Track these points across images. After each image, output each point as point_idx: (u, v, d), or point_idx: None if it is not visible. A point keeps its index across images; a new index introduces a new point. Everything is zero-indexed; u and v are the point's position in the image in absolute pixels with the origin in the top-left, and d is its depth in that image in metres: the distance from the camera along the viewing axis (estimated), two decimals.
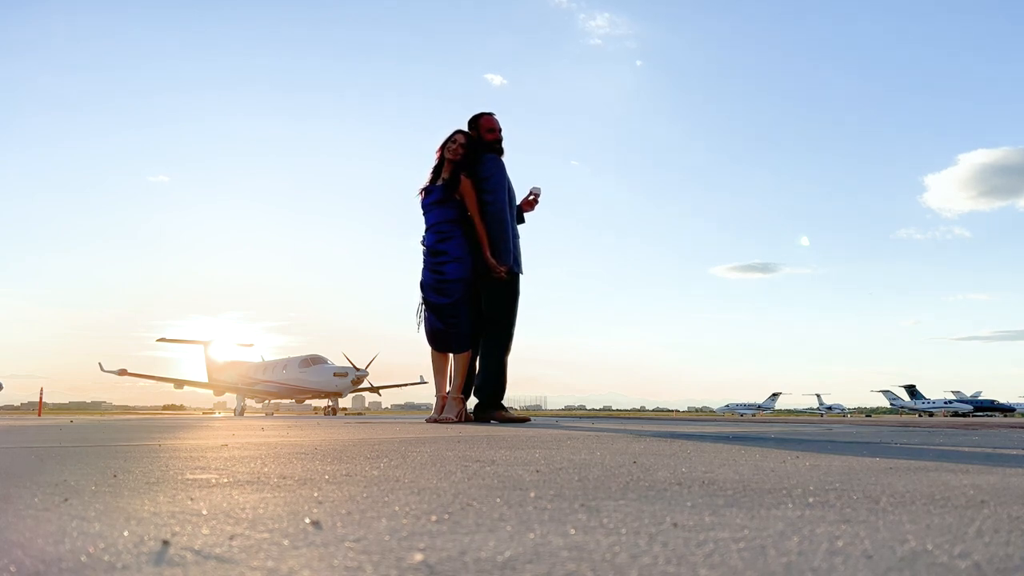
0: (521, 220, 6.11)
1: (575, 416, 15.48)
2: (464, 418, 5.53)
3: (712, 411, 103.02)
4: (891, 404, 76.98)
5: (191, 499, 1.00)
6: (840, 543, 0.69)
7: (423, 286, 5.64)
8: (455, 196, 5.52)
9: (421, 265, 5.71)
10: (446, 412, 5.48)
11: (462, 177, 5.51)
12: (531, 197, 6.16)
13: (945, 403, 68.85)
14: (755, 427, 4.85)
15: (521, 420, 5.60)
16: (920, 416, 55.30)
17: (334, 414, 24.85)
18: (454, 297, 5.51)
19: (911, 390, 75.24)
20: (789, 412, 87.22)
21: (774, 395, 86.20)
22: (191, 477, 1.30)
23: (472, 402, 5.70)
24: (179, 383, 30.88)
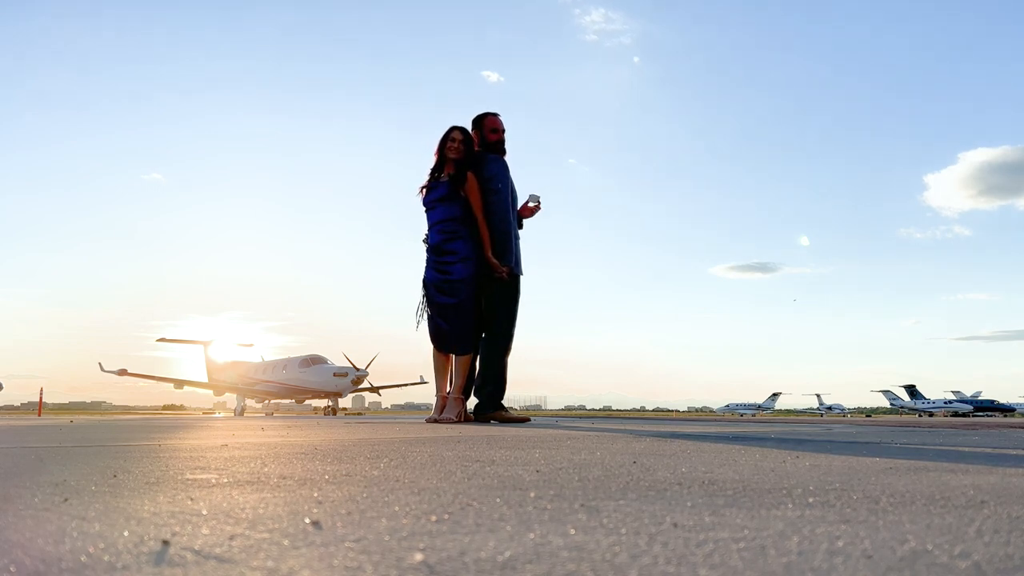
0: (519, 226, 6.07)
1: (575, 416, 15.49)
2: (464, 418, 5.53)
3: (712, 411, 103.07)
4: (891, 404, 77.02)
5: (191, 499, 1.00)
6: (840, 543, 0.69)
7: (427, 284, 5.60)
8: (461, 193, 5.50)
9: (424, 263, 5.68)
10: (446, 412, 5.48)
11: (468, 174, 5.50)
12: (531, 204, 6.08)
13: (945, 403, 68.87)
14: (755, 427, 4.85)
15: (521, 420, 5.60)
16: (920, 416, 55.31)
17: (334, 414, 24.86)
18: (460, 297, 5.48)
19: (911, 390, 75.26)
20: (789, 412, 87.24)
21: (774, 395, 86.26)
22: (191, 477, 1.30)
23: (472, 402, 5.70)
24: (179, 383, 30.91)
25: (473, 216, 5.53)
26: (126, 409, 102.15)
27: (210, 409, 41.27)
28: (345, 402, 29.84)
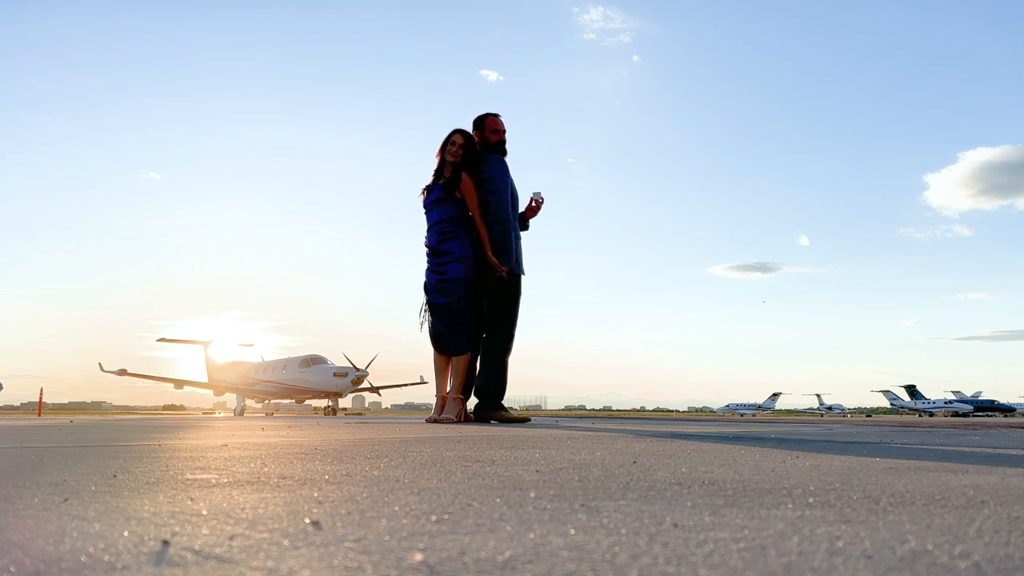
0: (525, 227, 6.09)
1: (575, 416, 15.49)
2: (464, 418, 5.53)
3: (712, 411, 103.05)
4: (891, 404, 76.95)
5: (191, 499, 1.00)
6: (840, 543, 0.69)
7: (427, 287, 5.64)
8: (455, 194, 5.52)
9: (425, 266, 5.71)
10: (446, 412, 5.48)
11: (463, 175, 5.51)
12: (533, 204, 6.13)
13: (945, 403, 68.79)
14: (755, 427, 4.85)
15: (521, 420, 5.60)
16: (920, 416, 55.29)
17: (334, 414, 24.84)
18: (453, 297, 5.50)
19: (911, 390, 75.20)
20: (789, 412, 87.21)
21: (774, 395, 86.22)
22: (191, 477, 1.30)
23: (472, 402, 5.70)
24: (179, 383, 30.89)
25: (470, 217, 5.55)
26: (126, 409, 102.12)
27: (210, 409, 41.23)
28: (345, 402, 29.81)
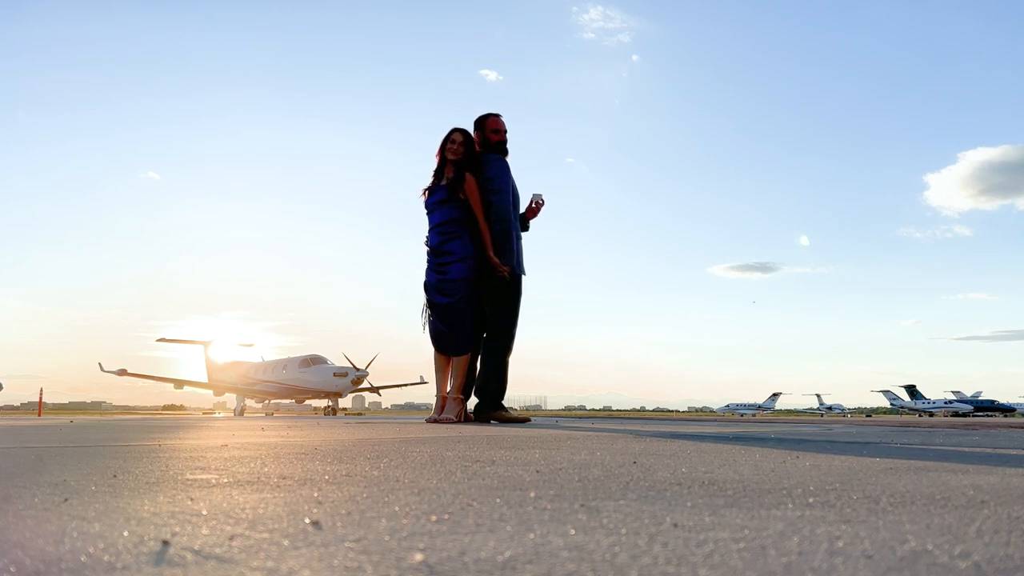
0: (525, 228, 6.08)
1: (575, 416, 15.49)
2: (464, 418, 5.53)
3: (712, 411, 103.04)
4: (891, 404, 76.94)
5: (191, 499, 1.00)
6: (840, 543, 0.69)
7: (427, 287, 5.64)
8: (459, 195, 5.52)
9: (425, 266, 5.71)
10: (446, 412, 5.48)
11: (467, 175, 5.51)
12: (533, 205, 6.09)
13: (945, 403, 68.79)
14: (755, 427, 4.85)
15: (521, 420, 5.60)
16: (920, 416, 55.27)
17: (334, 414, 24.84)
18: (455, 296, 5.50)
19: (911, 390, 75.20)
20: (789, 412, 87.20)
21: (774, 395, 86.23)
22: (191, 477, 1.30)
23: (472, 402, 5.70)
24: (179, 383, 30.91)
25: (472, 217, 5.54)
26: (126, 409, 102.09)
27: (210, 409, 41.19)
28: (345, 402, 29.80)
